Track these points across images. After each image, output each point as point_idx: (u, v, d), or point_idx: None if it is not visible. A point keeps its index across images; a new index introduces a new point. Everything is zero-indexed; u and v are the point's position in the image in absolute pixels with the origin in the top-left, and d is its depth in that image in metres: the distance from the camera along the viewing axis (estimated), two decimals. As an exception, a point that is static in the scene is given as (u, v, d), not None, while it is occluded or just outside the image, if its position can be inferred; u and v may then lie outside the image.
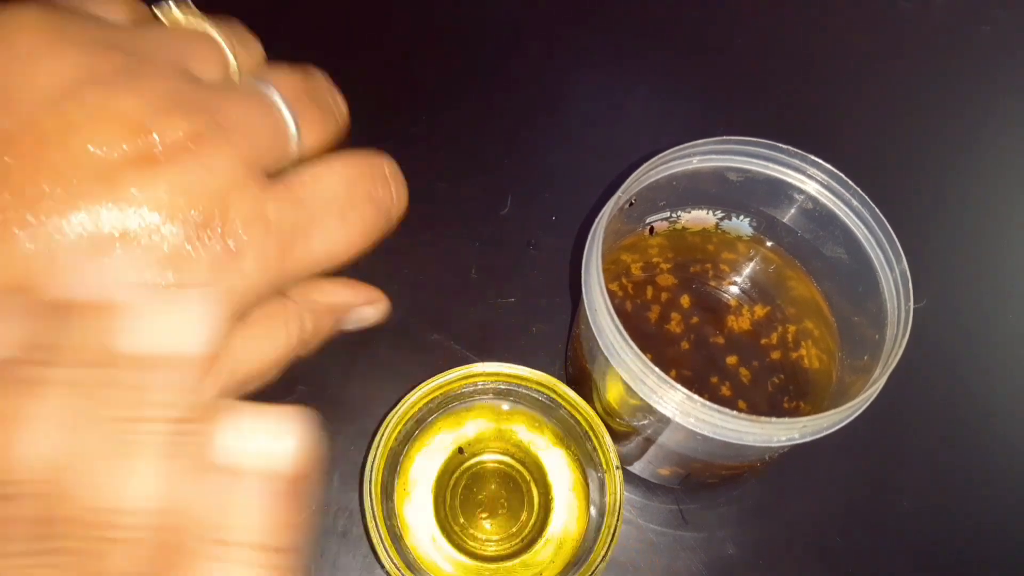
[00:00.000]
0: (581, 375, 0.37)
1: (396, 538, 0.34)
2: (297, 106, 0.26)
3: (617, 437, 0.36)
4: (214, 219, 0.23)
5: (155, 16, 0.26)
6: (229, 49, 0.26)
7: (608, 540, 0.33)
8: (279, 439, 0.18)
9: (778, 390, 0.38)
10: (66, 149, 0.21)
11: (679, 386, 0.29)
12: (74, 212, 0.21)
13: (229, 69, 0.27)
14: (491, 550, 0.36)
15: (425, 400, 0.36)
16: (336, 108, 0.30)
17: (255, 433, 0.18)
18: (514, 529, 0.37)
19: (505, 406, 0.38)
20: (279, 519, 0.17)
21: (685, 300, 0.39)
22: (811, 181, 0.36)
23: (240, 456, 0.17)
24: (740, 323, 0.39)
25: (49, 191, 0.21)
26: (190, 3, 0.27)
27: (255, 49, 0.28)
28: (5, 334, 0.18)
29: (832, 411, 0.30)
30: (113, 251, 0.21)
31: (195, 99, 0.23)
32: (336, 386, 0.41)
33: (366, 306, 0.32)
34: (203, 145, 0.22)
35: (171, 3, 0.26)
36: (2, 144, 0.21)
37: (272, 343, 0.26)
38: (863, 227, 0.35)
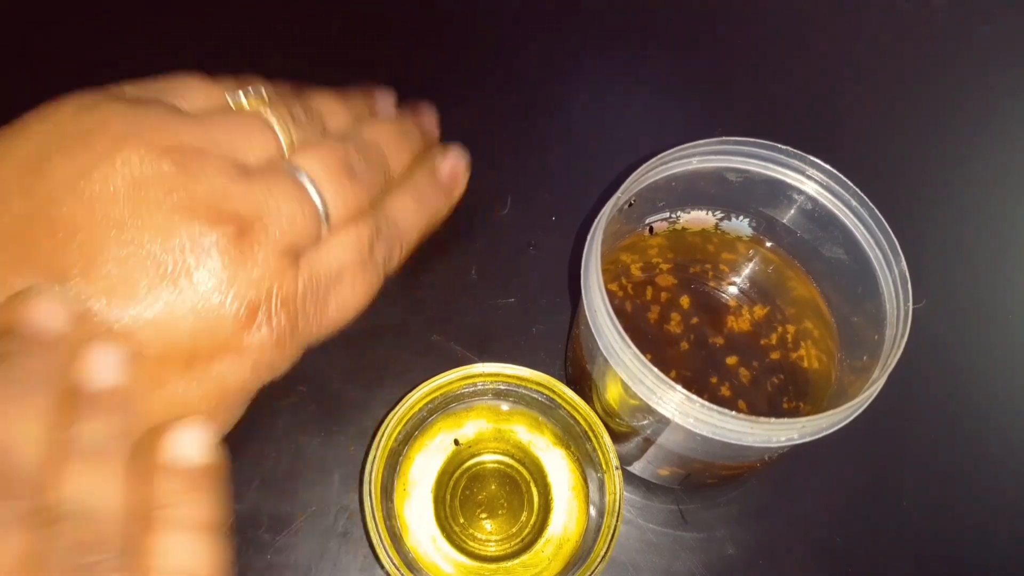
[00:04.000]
0: (581, 375, 0.37)
1: (396, 538, 0.34)
2: (330, 186, 0.30)
3: (617, 437, 0.36)
4: (258, 306, 0.26)
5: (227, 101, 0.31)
6: (282, 133, 0.30)
7: (608, 540, 0.33)
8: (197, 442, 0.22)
9: (778, 390, 0.38)
10: (126, 241, 0.24)
11: (678, 387, 0.29)
12: (127, 300, 0.24)
13: (277, 151, 0.30)
14: (491, 550, 0.37)
15: (425, 400, 0.36)
16: (396, 155, 0.36)
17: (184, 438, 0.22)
18: (514, 529, 0.37)
19: (505, 406, 0.38)
20: (210, 502, 0.22)
21: (685, 300, 0.39)
22: (810, 182, 0.36)
23: (176, 455, 0.22)
24: (740, 323, 0.39)
25: (109, 274, 0.24)
26: (261, 91, 0.31)
27: (306, 121, 0.32)
28: None
29: (831, 411, 0.30)
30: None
31: (242, 197, 0.27)
32: (336, 386, 0.41)
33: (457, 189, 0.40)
34: (246, 241, 0.26)
35: (241, 94, 0.31)
36: (70, 230, 0.24)
37: (362, 294, 0.33)
38: (862, 227, 0.35)
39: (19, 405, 0.19)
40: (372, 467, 0.34)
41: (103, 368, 0.22)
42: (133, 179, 0.24)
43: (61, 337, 0.22)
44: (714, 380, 0.38)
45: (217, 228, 0.25)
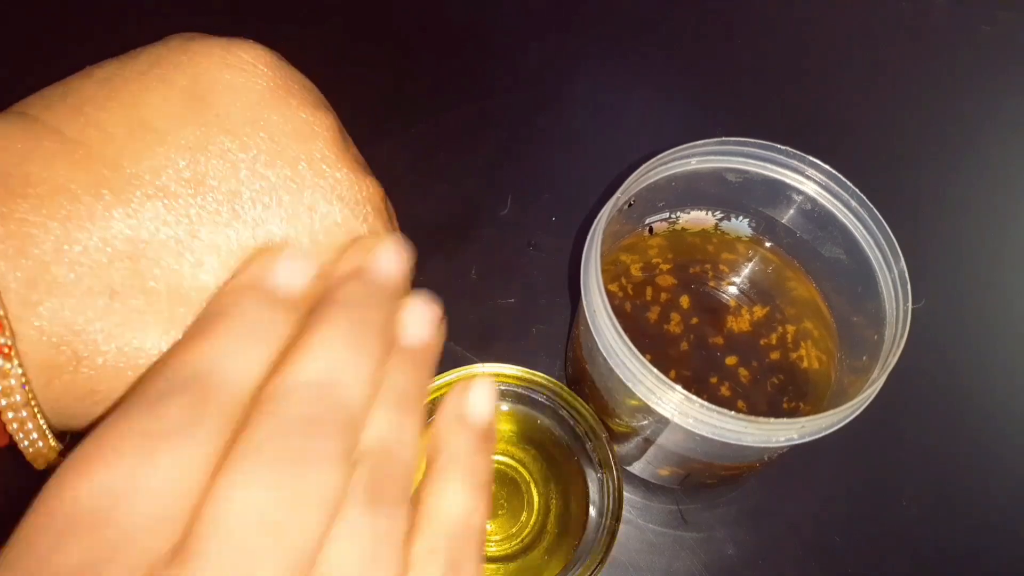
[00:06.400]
0: (581, 375, 0.37)
1: (396, 538, 0.34)
2: None
3: (616, 438, 0.36)
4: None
5: None
6: None
7: (607, 540, 0.33)
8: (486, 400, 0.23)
9: (777, 390, 0.38)
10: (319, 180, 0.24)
11: (678, 387, 0.29)
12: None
13: None
14: (491, 550, 0.37)
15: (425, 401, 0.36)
16: None
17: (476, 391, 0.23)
18: (514, 529, 0.37)
19: (505, 407, 0.38)
20: (489, 463, 0.22)
21: (684, 301, 0.39)
22: (809, 182, 0.36)
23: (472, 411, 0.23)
24: (739, 323, 0.39)
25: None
26: None
27: None
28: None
29: (831, 411, 0.30)
30: None
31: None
32: (336, 386, 0.41)
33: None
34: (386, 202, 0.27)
35: None
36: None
37: None
38: (862, 227, 0.35)
39: (357, 350, 0.19)
40: (372, 467, 0.34)
41: (422, 324, 0.23)
42: (316, 127, 0.25)
43: (397, 285, 0.22)
44: (714, 380, 0.38)
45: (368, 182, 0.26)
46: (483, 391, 0.23)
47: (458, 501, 0.21)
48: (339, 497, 0.17)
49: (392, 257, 0.23)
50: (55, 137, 0.21)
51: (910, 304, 0.32)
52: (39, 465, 0.22)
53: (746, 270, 0.40)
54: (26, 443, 0.21)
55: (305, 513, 0.16)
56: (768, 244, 0.40)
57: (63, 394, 0.21)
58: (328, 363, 0.19)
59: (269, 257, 0.21)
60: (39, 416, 0.20)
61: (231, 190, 0.23)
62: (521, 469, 0.38)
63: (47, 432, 0.21)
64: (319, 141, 0.25)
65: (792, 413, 0.37)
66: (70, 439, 0.22)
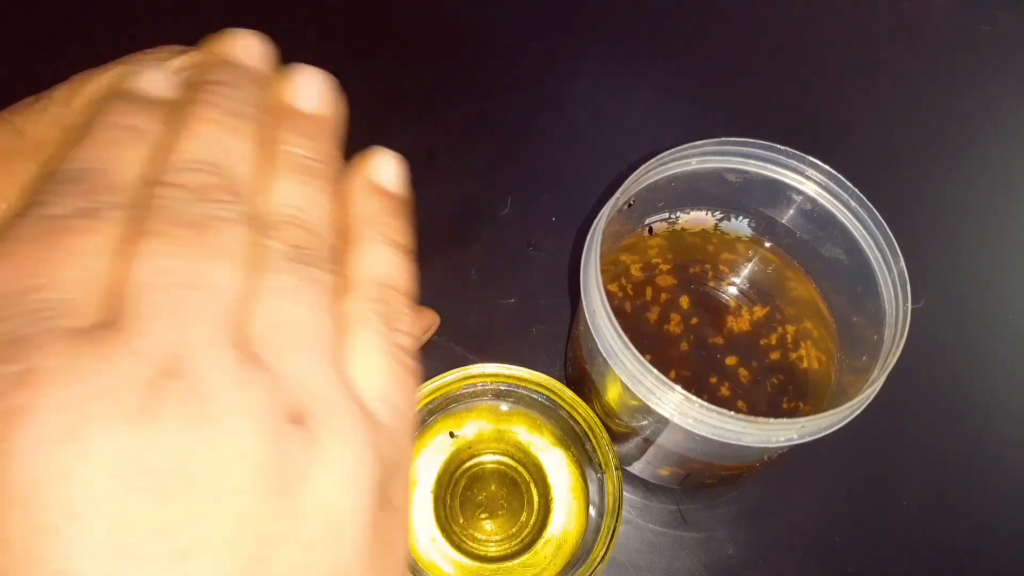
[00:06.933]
0: (580, 376, 0.37)
1: (396, 538, 0.34)
2: None
3: (616, 438, 0.36)
4: None
5: None
6: None
7: (607, 540, 0.33)
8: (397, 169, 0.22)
9: (777, 391, 0.38)
10: None
11: (677, 387, 0.29)
12: None
13: None
14: (491, 551, 0.37)
15: (425, 401, 0.36)
16: None
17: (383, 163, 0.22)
18: (514, 530, 0.37)
19: (504, 407, 0.38)
20: (406, 228, 0.22)
21: (684, 301, 0.39)
22: (809, 182, 0.36)
23: (380, 177, 0.22)
24: (739, 324, 0.39)
25: None
26: None
27: None
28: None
29: (830, 411, 0.30)
30: None
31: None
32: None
33: (426, 335, 0.36)
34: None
35: None
36: None
37: None
38: (861, 228, 0.35)
39: (235, 123, 0.19)
40: (372, 467, 0.34)
41: (311, 91, 0.22)
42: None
43: (262, 63, 0.22)
44: (714, 380, 0.38)
45: None
46: (386, 158, 0.22)
47: (382, 260, 0.20)
48: (251, 253, 0.17)
49: (250, 40, 0.22)
50: (15, 135, 0.22)
51: (910, 304, 0.32)
52: None
53: (746, 270, 0.40)
54: None
55: (221, 267, 0.16)
56: (768, 244, 0.40)
57: None
58: (207, 140, 0.18)
59: (124, 71, 0.21)
60: None
61: None
62: (521, 469, 0.38)
63: None
64: None
65: (792, 413, 0.37)
66: None
